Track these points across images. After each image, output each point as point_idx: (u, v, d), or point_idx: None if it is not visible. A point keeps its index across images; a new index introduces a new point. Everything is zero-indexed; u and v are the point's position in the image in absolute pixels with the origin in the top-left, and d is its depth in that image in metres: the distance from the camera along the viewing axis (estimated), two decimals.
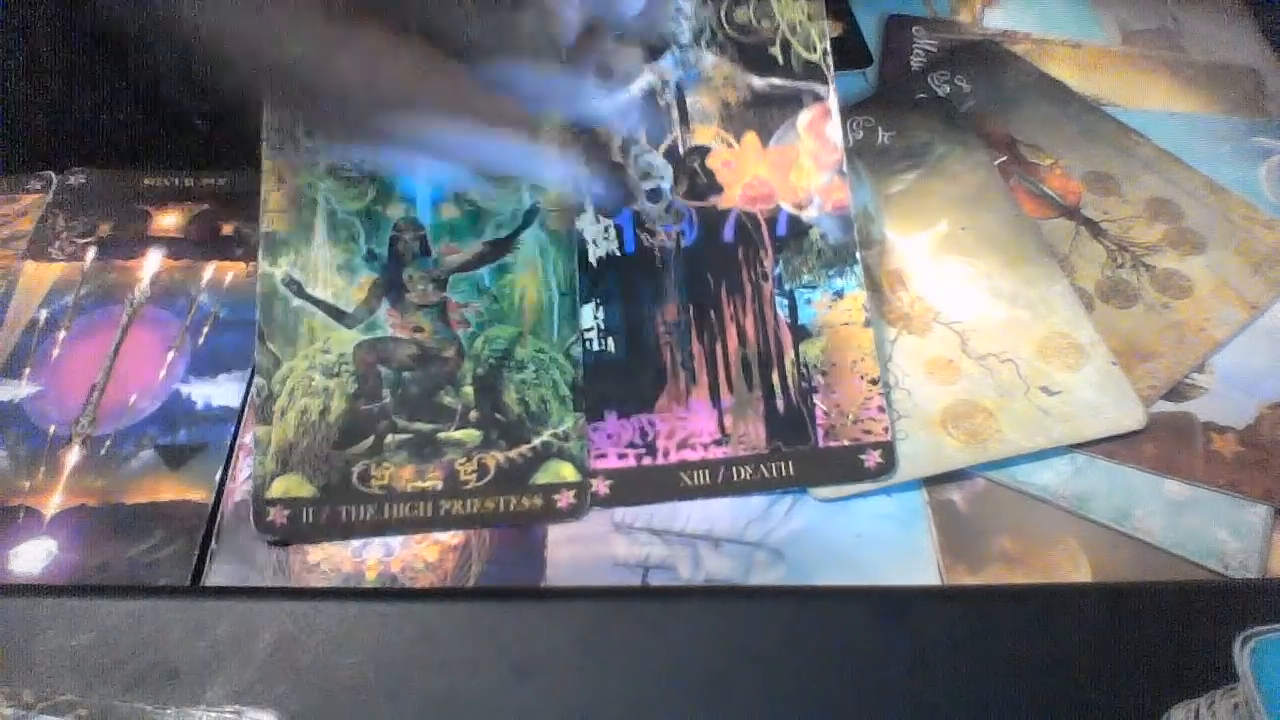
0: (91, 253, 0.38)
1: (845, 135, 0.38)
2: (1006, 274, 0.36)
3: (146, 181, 0.40)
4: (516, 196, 0.34)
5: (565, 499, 0.31)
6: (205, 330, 0.36)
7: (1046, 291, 0.36)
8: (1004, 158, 0.40)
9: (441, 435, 0.32)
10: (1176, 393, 0.34)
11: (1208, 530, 0.31)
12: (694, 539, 0.31)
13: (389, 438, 0.32)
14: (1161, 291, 0.36)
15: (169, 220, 0.39)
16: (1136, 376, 0.34)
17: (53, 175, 0.40)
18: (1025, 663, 0.27)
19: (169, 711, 0.26)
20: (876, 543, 0.31)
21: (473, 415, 0.32)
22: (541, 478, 0.31)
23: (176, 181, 0.39)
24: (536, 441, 0.32)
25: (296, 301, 0.33)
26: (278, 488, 0.31)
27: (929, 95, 0.42)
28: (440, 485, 0.31)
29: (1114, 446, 0.33)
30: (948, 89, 0.42)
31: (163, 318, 0.36)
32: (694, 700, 0.27)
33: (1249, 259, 0.37)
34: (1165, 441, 0.33)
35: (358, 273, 0.33)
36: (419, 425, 0.32)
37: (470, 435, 0.32)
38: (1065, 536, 0.31)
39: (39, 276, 0.37)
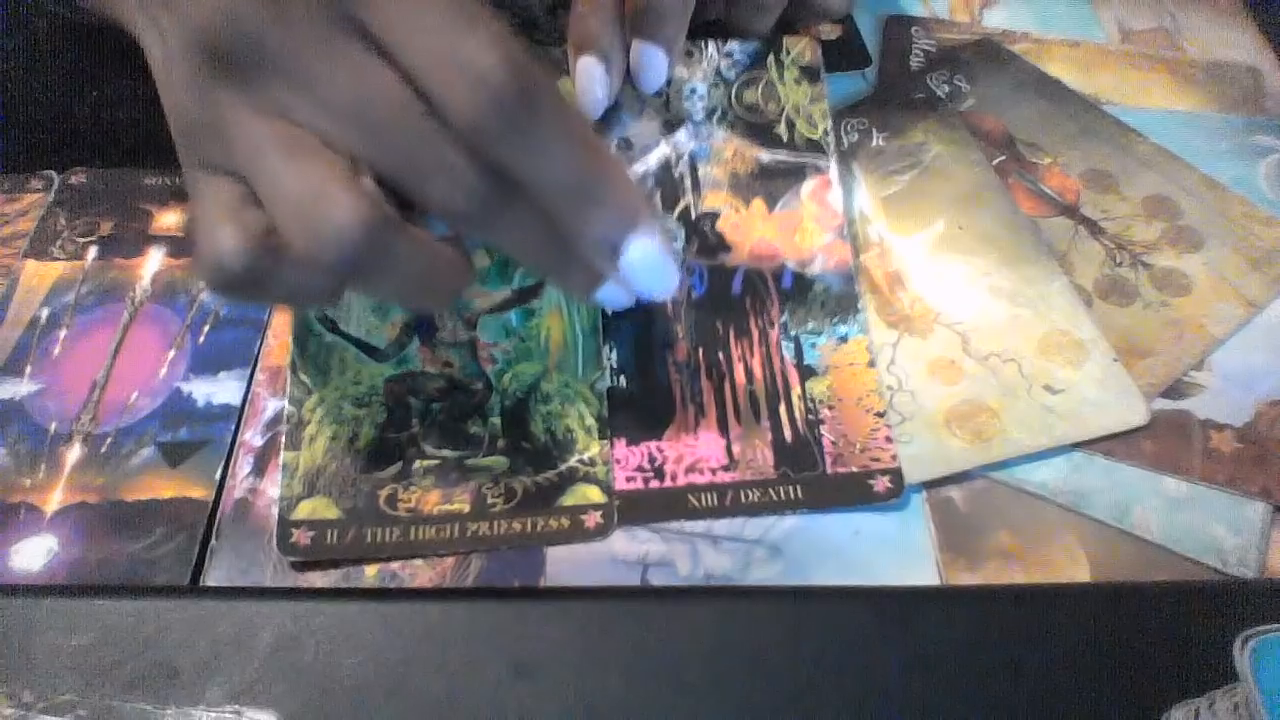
0: (93, 251, 0.38)
1: (839, 138, 0.40)
2: (1005, 272, 0.36)
3: (147, 181, 0.40)
4: None
5: (593, 519, 0.31)
6: (206, 328, 0.36)
7: (1046, 289, 0.36)
8: (1003, 156, 0.40)
9: (469, 462, 0.32)
10: (1175, 390, 0.34)
11: (1206, 527, 0.31)
12: (692, 536, 0.31)
13: (417, 464, 0.32)
14: (1160, 289, 0.36)
15: (170, 219, 0.39)
16: (1135, 374, 0.34)
17: (54, 175, 0.40)
18: (1025, 663, 0.27)
19: (169, 711, 0.26)
20: (875, 539, 0.31)
21: (500, 443, 0.33)
22: (569, 500, 0.32)
23: (178, 181, 0.39)
24: (563, 466, 0.32)
25: (330, 337, 0.34)
26: (303, 509, 0.31)
27: (927, 95, 0.42)
28: (468, 508, 0.31)
29: (1112, 444, 0.33)
30: (946, 88, 0.42)
31: (164, 316, 0.36)
32: (694, 700, 0.27)
33: (1247, 256, 0.37)
34: (1163, 439, 0.33)
35: (390, 312, 0.35)
36: (446, 452, 0.33)
37: (497, 461, 0.32)
38: (1064, 533, 0.31)
39: (40, 275, 0.37)
